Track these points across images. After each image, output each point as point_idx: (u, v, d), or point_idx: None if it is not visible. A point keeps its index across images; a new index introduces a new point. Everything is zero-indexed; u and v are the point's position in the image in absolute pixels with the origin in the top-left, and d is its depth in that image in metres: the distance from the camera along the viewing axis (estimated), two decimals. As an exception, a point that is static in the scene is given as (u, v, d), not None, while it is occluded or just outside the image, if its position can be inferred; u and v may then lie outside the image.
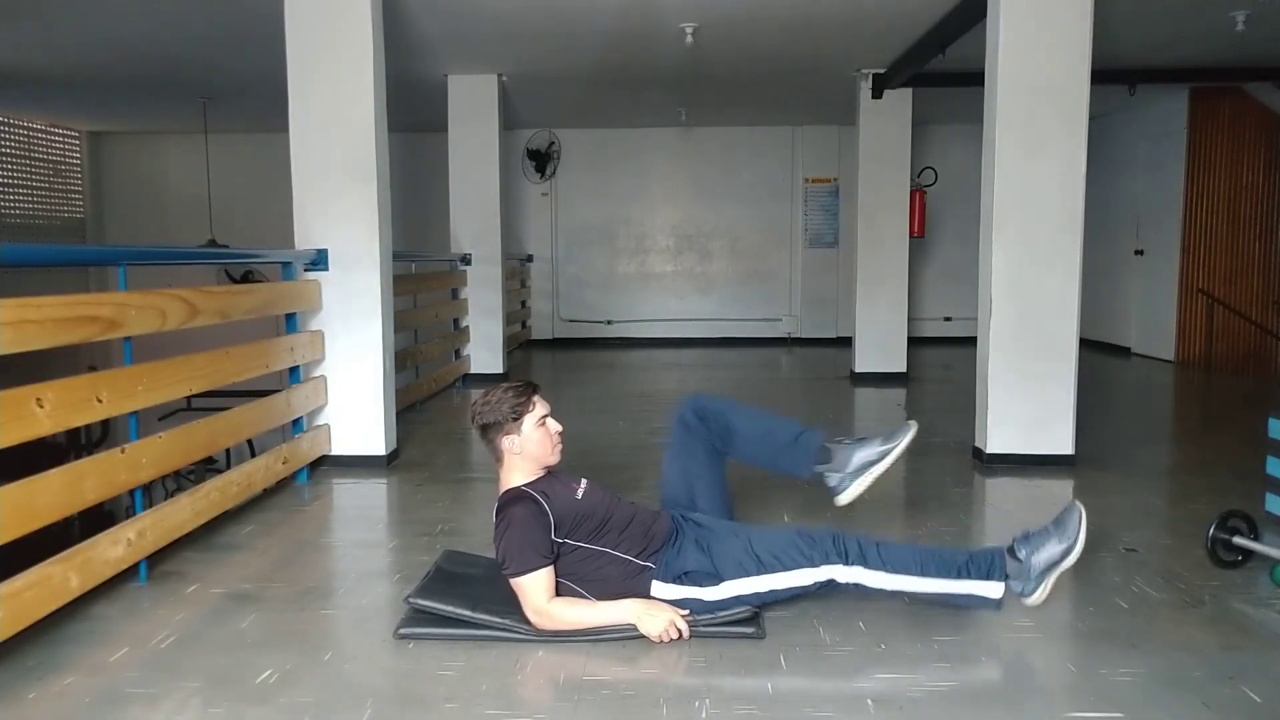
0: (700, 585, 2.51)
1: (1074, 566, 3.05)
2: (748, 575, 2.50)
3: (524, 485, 2.57)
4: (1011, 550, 2.57)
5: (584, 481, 2.66)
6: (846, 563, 2.48)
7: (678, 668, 2.31)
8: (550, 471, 2.65)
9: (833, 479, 2.55)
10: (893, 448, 2.52)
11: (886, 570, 2.48)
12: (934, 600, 2.55)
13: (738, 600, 2.50)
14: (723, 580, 2.50)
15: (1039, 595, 2.58)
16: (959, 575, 2.52)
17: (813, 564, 2.48)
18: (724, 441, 2.92)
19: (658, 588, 2.52)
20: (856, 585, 2.49)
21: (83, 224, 10.64)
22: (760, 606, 2.55)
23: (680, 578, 2.52)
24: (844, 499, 2.55)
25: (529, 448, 2.58)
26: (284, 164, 4.43)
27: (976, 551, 2.60)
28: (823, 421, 6.11)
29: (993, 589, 2.53)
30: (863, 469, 2.53)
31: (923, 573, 2.50)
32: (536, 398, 2.63)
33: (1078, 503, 2.62)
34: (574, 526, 2.51)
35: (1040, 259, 4.40)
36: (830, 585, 2.50)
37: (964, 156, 9.02)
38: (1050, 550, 2.55)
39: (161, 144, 10.83)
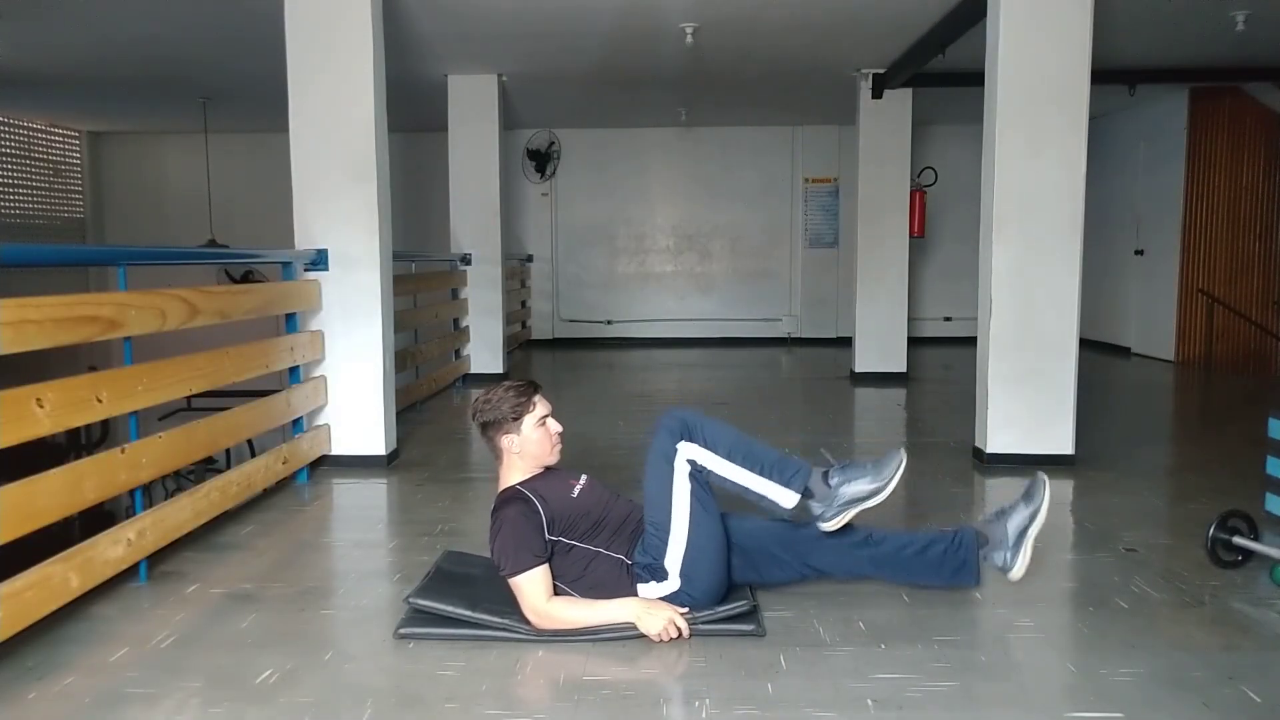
0: (658, 579, 2.52)
1: (1074, 566, 3.07)
2: (664, 541, 2.50)
3: (519, 485, 2.57)
4: (826, 475, 2.58)
5: (583, 478, 2.66)
6: (684, 439, 2.52)
7: (678, 668, 2.31)
8: (549, 469, 2.65)
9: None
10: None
11: (708, 448, 2.52)
12: (736, 491, 2.56)
13: (693, 573, 2.48)
14: (662, 562, 2.50)
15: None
16: (761, 473, 2.53)
17: (668, 463, 2.51)
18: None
19: (641, 589, 2.53)
20: (699, 467, 2.51)
21: (83, 224, 10.64)
22: (752, 591, 2.57)
23: (643, 575, 2.53)
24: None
25: (528, 447, 2.59)
26: (284, 164, 4.43)
27: (786, 459, 2.58)
28: (823, 422, 6.11)
29: (786, 497, 2.53)
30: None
31: (729, 457, 2.53)
32: (537, 397, 2.63)
33: (902, 450, 2.63)
34: (568, 526, 2.51)
35: (1040, 259, 4.40)
36: (696, 471, 2.51)
37: (964, 156, 9.02)
38: (859, 486, 2.56)
39: (161, 144, 10.84)
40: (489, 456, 2.67)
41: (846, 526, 2.58)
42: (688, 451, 2.52)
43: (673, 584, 2.51)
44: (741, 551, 2.61)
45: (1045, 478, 2.65)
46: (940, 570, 2.62)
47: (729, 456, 2.53)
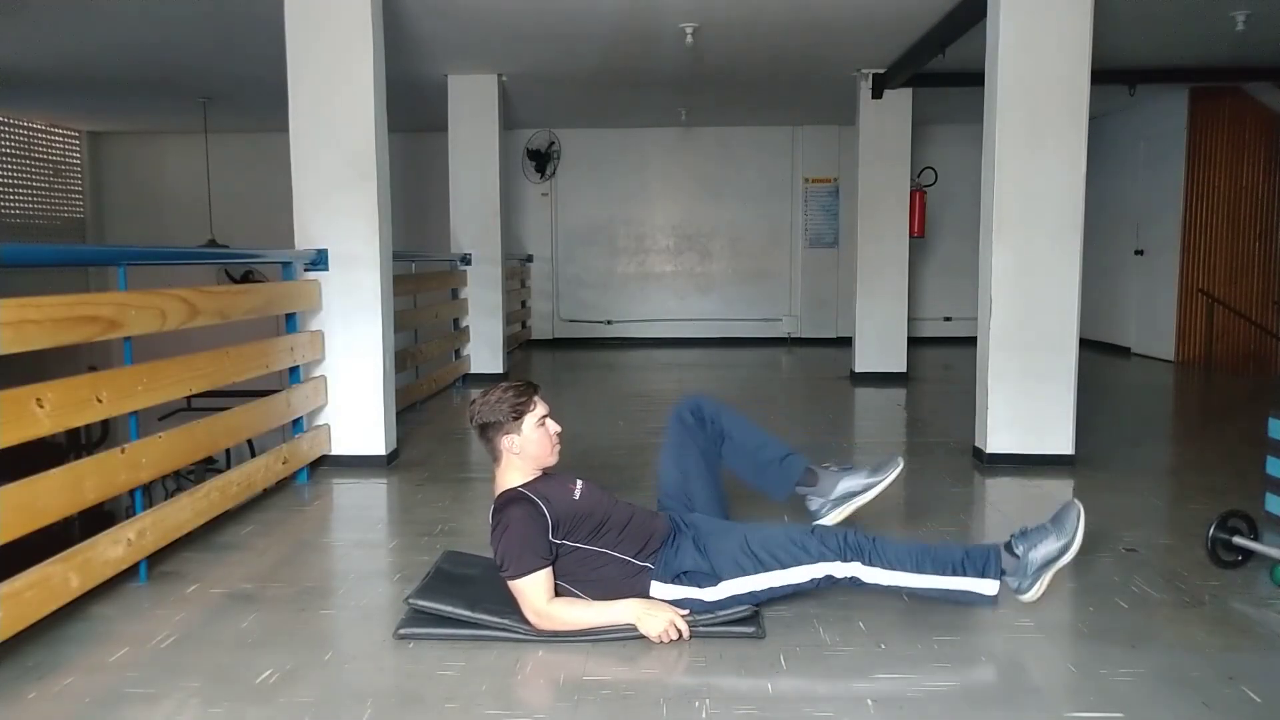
0: (699, 585, 2.51)
1: (1074, 566, 3.06)
2: (745, 574, 2.49)
3: (520, 486, 2.56)
4: (1009, 546, 2.59)
5: (580, 482, 2.66)
6: (844, 559, 2.48)
7: (678, 668, 2.31)
8: (547, 472, 2.64)
9: (814, 503, 2.56)
10: (878, 481, 2.54)
11: (883, 566, 2.48)
12: (930, 596, 2.56)
13: (735, 600, 2.50)
14: (721, 580, 2.50)
15: (1035, 592, 2.60)
16: (954, 572, 2.53)
17: (810, 560, 2.48)
18: (717, 444, 2.96)
19: (656, 588, 2.52)
20: (852, 580, 2.49)
21: (83, 224, 10.64)
22: (759, 605, 2.55)
23: (679, 577, 2.52)
24: (824, 523, 2.56)
25: (528, 448, 2.57)
26: (284, 164, 4.43)
27: (973, 548, 2.60)
28: (823, 421, 6.11)
29: (988, 586, 2.54)
30: (846, 498, 2.54)
31: (918, 569, 2.50)
32: (537, 398, 2.62)
33: (1076, 501, 2.64)
34: (572, 528, 2.51)
35: (1040, 259, 4.40)
36: (828, 581, 2.50)
37: (964, 156, 9.00)
38: (1048, 547, 2.58)
39: (161, 144, 10.83)
40: (489, 456, 2.66)
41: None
42: (849, 570, 2.47)
43: (711, 595, 2.49)
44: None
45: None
46: (962, 569, 2.57)
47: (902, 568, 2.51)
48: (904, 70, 6.77)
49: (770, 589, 2.50)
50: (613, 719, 2.06)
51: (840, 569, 2.48)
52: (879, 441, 5.48)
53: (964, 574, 2.53)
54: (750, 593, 2.50)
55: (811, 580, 2.49)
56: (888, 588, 2.51)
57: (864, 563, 2.48)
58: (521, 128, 10.20)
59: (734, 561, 2.51)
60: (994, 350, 4.47)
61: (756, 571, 2.49)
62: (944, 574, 2.52)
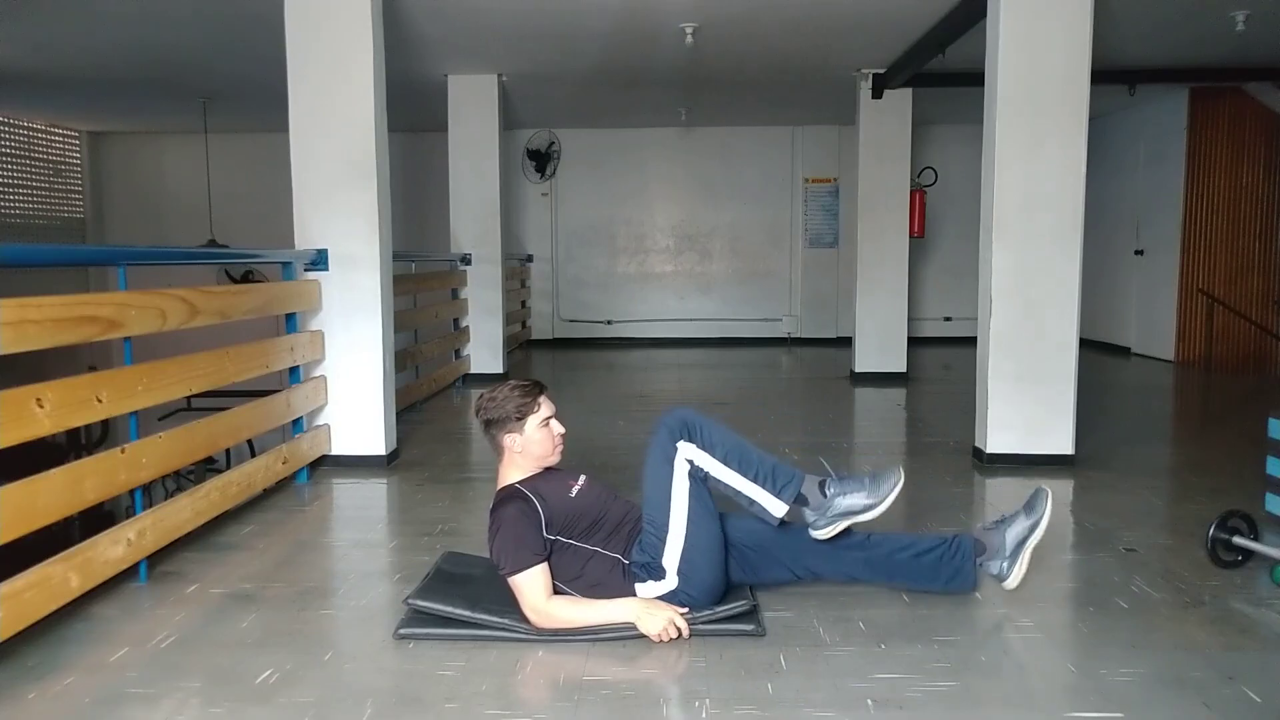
0: (656, 578, 2.52)
1: (1074, 566, 3.06)
2: (659, 538, 2.50)
3: (518, 483, 2.58)
4: (822, 484, 2.59)
5: (582, 478, 2.67)
6: (684, 439, 2.52)
7: (678, 668, 2.31)
8: (549, 469, 2.65)
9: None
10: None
11: (707, 451, 2.52)
12: (731, 496, 2.57)
13: (691, 573, 2.49)
14: (660, 561, 2.50)
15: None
16: (755, 479, 2.54)
17: (667, 462, 2.51)
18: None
19: (639, 588, 2.53)
20: (698, 468, 2.51)
21: (83, 224, 10.64)
22: (752, 591, 2.57)
23: (638, 575, 2.53)
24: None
25: (530, 447, 2.59)
26: (284, 164, 4.43)
27: (782, 467, 2.59)
28: (823, 421, 6.11)
29: (775, 505, 2.54)
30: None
31: (725, 461, 2.53)
32: (543, 398, 2.63)
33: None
34: (566, 525, 2.52)
35: (1040, 259, 4.40)
36: (696, 473, 2.51)
37: (964, 156, 9.02)
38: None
39: (161, 144, 10.84)
40: (489, 456, 2.67)
41: (845, 530, 2.58)
42: (686, 451, 2.53)
43: (670, 583, 2.51)
44: (738, 551, 2.62)
45: (1048, 491, 2.68)
46: (936, 575, 2.66)
47: (725, 460, 2.54)
48: (904, 70, 6.77)
49: (687, 531, 2.49)
50: (613, 719, 2.06)
51: (684, 452, 2.51)
52: (879, 441, 5.48)
53: (761, 484, 2.54)
54: (684, 553, 2.48)
55: (688, 485, 2.50)
56: (718, 480, 2.53)
57: (689, 439, 2.52)
58: (521, 128, 10.20)
59: (652, 539, 2.52)
60: (994, 350, 4.47)
61: (661, 523, 2.50)
62: (746, 476, 2.54)
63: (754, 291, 10.64)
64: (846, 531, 2.60)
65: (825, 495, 2.56)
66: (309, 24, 4.38)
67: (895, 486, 2.55)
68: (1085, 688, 2.20)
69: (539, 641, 2.42)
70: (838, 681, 2.23)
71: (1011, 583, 2.65)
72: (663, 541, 2.51)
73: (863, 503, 2.53)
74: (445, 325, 7.22)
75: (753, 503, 2.56)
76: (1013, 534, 2.65)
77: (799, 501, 2.56)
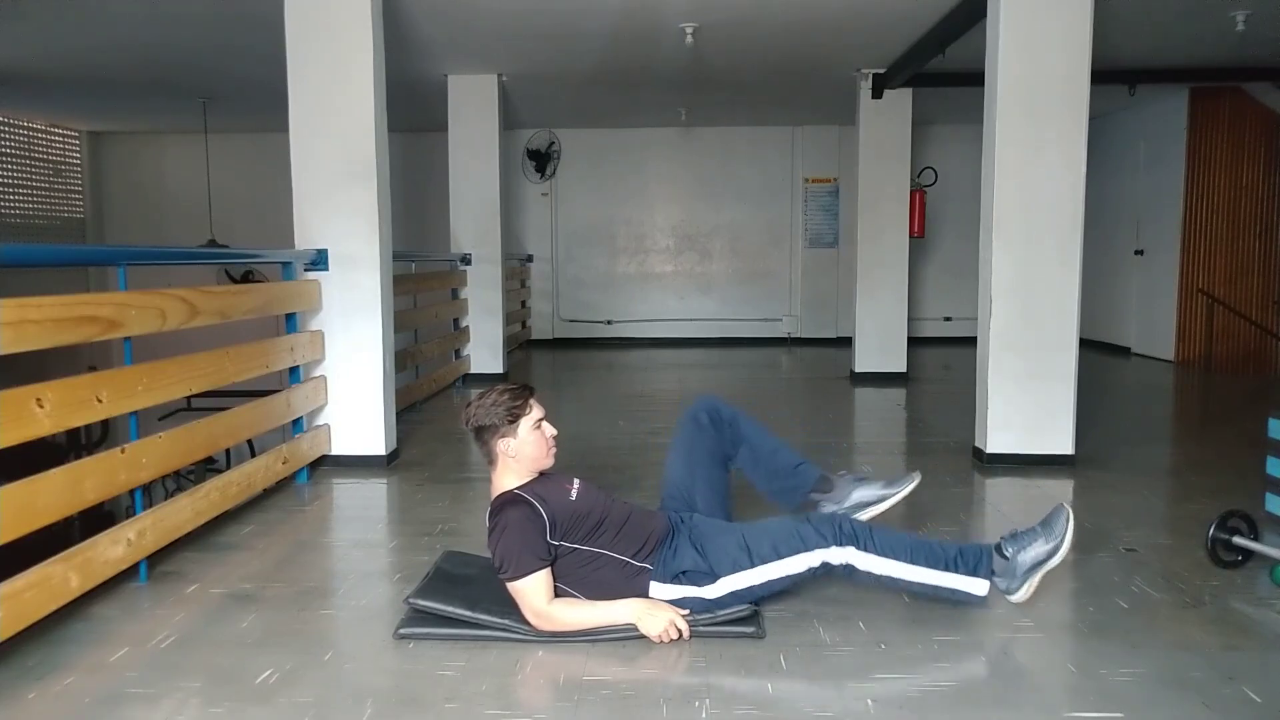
0: (697, 584, 2.51)
1: (1074, 567, 3.06)
2: (742, 569, 2.50)
3: (517, 489, 2.55)
4: (999, 548, 2.60)
5: (577, 482, 2.65)
6: (839, 544, 2.47)
7: (678, 668, 2.31)
8: (543, 473, 2.64)
9: (827, 508, 2.56)
10: (894, 494, 2.53)
11: (876, 553, 2.48)
12: (919, 592, 2.56)
13: (735, 596, 2.50)
14: (719, 577, 2.50)
15: (1024, 593, 2.60)
16: (946, 568, 2.53)
17: (806, 548, 2.48)
18: (733, 446, 2.95)
19: (656, 588, 2.52)
20: (846, 567, 2.48)
21: (83, 224, 10.64)
22: (758, 602, 2.55)
23: (678, 577, 2.52)
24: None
25: (524, 451, 2.56)
26: (284, 164, 4.43)
27: (966, 546, 2.60)
28: (823, 421, 6.11)
29: (978, 585, 2.54)
30: (859, 507, 2.54)
31: (911, 560, 2.50)
32: (532, 401, 2.61)
33: (1065, 504, 2.65)
34: (570, 528, 2.51)
35: (1040, 259, 4.40)
36: (824, 569, 2.49)
37: (964, 156, 9.01)
38: (1036, 549, 2.59)
39: (161, 144, 10.83)
40: (484, 459, 2.66)
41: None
42: (844, 555, 2.48)
43: (710, 593, 2.50)
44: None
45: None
46: (954, 565, 2.58)
47: (910, 559, 2.52)
48: (904, 70, 6.77)
49: (768, 582, 2.50)
50: (613, 719, 2.06)
51: (836, 555, 2.47)
52: (879, 441, 5.48)
53: (955, 570, 2.53)
54: (749, 588, 2.50)
55: (808, 569, 2.48)
56: (880, 577, 2.50)
57: (858, 548, 2.47)
58: (521, 128, 10.20)
59: (731, 558, 2.51)
60: (994, 350, 4.47)
61: (753, 565, 2.49)
62: (936, 568, 2.52)
63: (754, 291, 10.64)
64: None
65: (1006, 557, 2.56)
66: (309, 24, 4.38)
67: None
68: (1085, 688, 2.20)
69: (539, 642, 2.42)
70: (838, 681, 2.23)
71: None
72: (742, 568, 2.49)
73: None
74: (445, 325, 7.22)
75: (955, 591, 2.54)
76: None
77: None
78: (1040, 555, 2.58)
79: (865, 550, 2.48)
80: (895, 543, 2.52)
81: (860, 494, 2.68)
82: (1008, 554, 2.56)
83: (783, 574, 2.49)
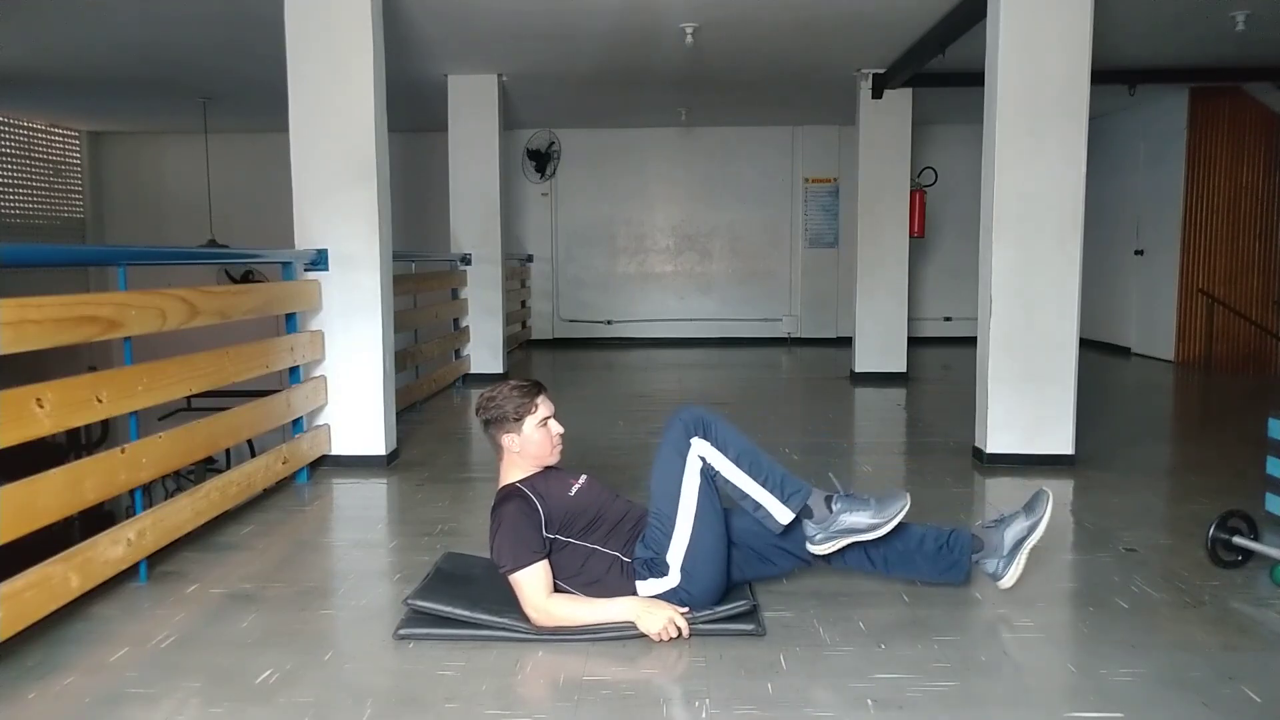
0: (659, 575, 2.52)
1: (1074, 566, 3.06)
2: (665, 534, 2.51)
3: (518, 482, 2.59)
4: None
5: (582, 477, 2.68)
6: (702, 435, 2.52)
7: (678, 668, 2.31)
8: (549, 468, 2.66)
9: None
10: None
11: (715, 445, 2.52)
12: (732, 494, 2.56)
13: (696, 572, 2.49)
14: (666, 558, 2.51)
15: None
16: (766, 485, 2.53)
17: (680, 461, 2.51)
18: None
19: (640, 586, 2.53)
20: (707, 468, 2.51)
21: (83, 224, 10.64)
22: (754, 592, 2.56)
23: (640, 571, 2.53)
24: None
25: (529, 447, 2.60)
26: (284, 164, 4.43)
27: (792, 478, 2.58)
28: (823, 422, 6.11)
29: (781, 512, 2.53)
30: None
31: (736, 462, 2.52)
32: (541, 398, 2.63)
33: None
34: (565, 523, 2.52)
35: (1040, 259, 4.40)
36: (709, 471, 2.51)
37: (964, 156, 9.02)
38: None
39: (161, 144, 10.83)
40: (489, 456, 2.67)
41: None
42: (700, 448, 2.53)
43: (672, 580, 2.51)
44: (745, 542, 2.62)
45: (1049, 493, 2.68)
46: (933, 566, 2.66)
47: (736, 461, 2.54)
48: (904, 70, 6.77)
49: (695, 527, 2.49)
50: (613, 719, 2.06)
51: (698, 445, 2.51)
52: (879, 441, 5.48)
53: (770, 490, 2.53)
54: (692, 547, 2.48)
55: (700, 477, 2.50)
56: (726, 480, 2.53)
57: (703, 436, 2.51)
58: (521, 128, 10.20)
59: (655, 530, 2.53)
60: (994, 350, 4.47)
61: (668, 517, 2.51)
62: (756, 479, 2.53)
63: (754, 291, 10.64)
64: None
65: (830, 511, 2.55)
66: (309, 24, 4.38)
67: (901, 510, 2.53)
68: (1085, 688, 2.20)
69: (539, 641, 2.42)
70: (838, 681, 2.23)
71: (1007, 582, 2.65)
72: (668, 537, 2.51)
73: (867, 522, 2.52)
74: (445, 325, 7.22)
75: (759, 507, 2.55)
76: (1011, 534, 2.65)
77: (803, 513, 2.55)
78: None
79: (713, 445, 2.51)
80: (734, 440, 2.54)
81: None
82: (833, 508, 2.54)
83: (690, 507, 2.49)
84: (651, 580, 2.53)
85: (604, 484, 2.72)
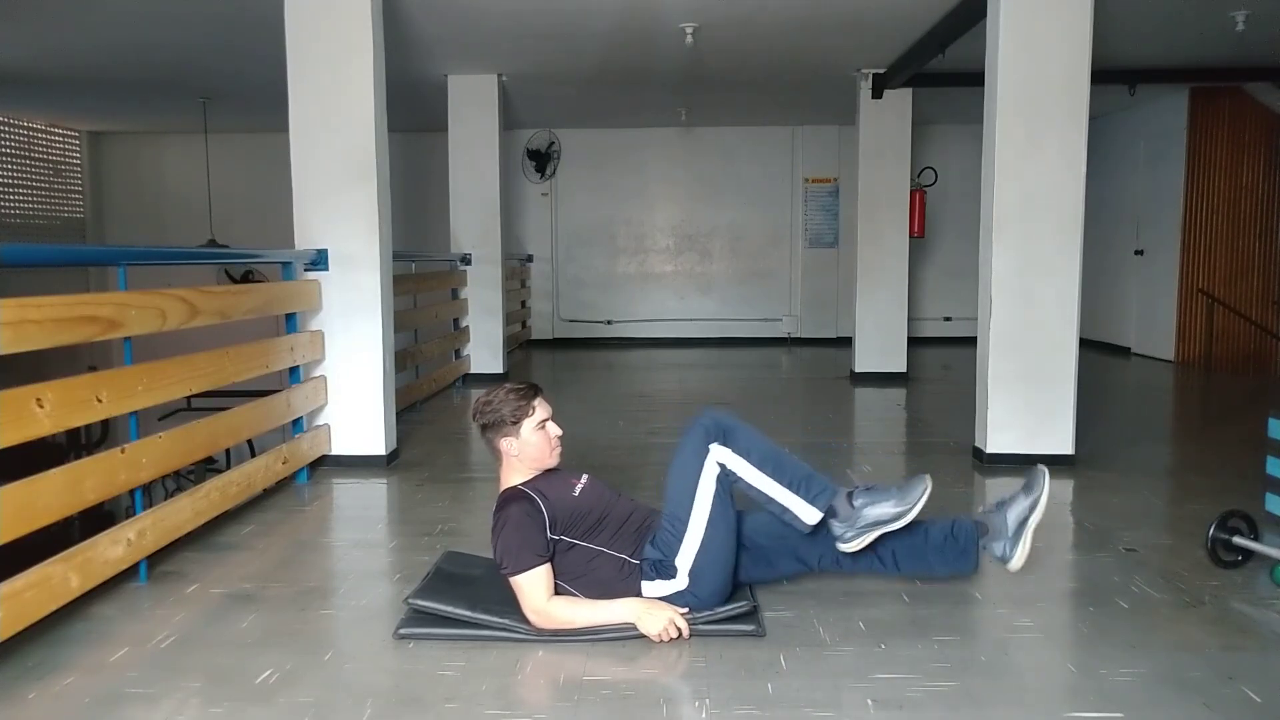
0: (666, 577, 2.51)
1: (1074, 566, 3.06)
2: (677, 538, 2.50)
3: (521, 484, 2.58)
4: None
5: (584, 478, 2.67)
6: (722, 442, 2.50)
7: (678, 668, 2.31)
8: (550, 470, 2.65)
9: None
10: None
11: (735, 450, 2.50)
12: (756, 498, 2.54)
13: (706, 576, 2.49)
14: (675, 561, 2.50)
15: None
16: (791, 488, 2.51)
17: (698, 466, 2.49)
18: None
19: (645, 587, 2.53)
20: (726, 473, 2.50)
21: (83, 224, 10.64)
22: (754, 592, 2.56)
23: (648, 572, 2.53)
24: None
25: (527, 451, 2.58)
26: (284, 164, 4.43)
27: (818, 476, 2.57)
28: (823, 421, 6.11)
29: (808, 513, 2.51)
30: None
31: (760, 467, 2.51)
32: (537, 401, 2.62)
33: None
34: (570, 525, 2.52)
35: (1040, 259, 4.40)
36: (726, 479, 2.49)
37: (964, 156, 9.03)
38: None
39: (161, 144, 10.83)
40: (489, 456, 2.67)
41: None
42: (719, 454, 2.50)
43: (679, 583, 2.51)
44: (753, 545, 2.62)
45: (1045, 469, 2.65)
46: (941, 559, 2.62)
47: (760, 465, 2.51)
48: (904, 70, 6.77)
49: (706, 533, 2.48)
50: (613, 719, 2.06)
51: (717, 452, 2.49)
52: (879, 441, 5.48)
53: (795, 492, 2.51)
54: (701, 552, 2.48)
55: (715, 484, 2.49)
56: (749, 485, 2.51)
57: (723, 443, 2.50)
58: (521, 128, 10.20)
59: (669, 536, 2.52)
60: (994, 350, 4.47)
61: (680, 521, 2.49)
62: (780, 483, 2.51)
63: (754, 291, 10.64)
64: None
65: (853, 506, 2.52)
66: (309, 24, 4.38)
67: (924, 493, 2.52)
68: (1085, 688, 2.20)
69: (539, 641, 2.42)
70: (838, 681, 2.23)
71: (1016, 563, 2.58)
72: (679, 540, 2.50)
73: (892, 512, 2.50)
74: (445, 325, 7.22)
75: (785, 510, 2.52)
76: (1013, 514, 2.60)
77: (828, 514, 2.54)
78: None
79: (734, 451, 2.49)
80: (756, 444, 2.53)
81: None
82: (855, 504, 2.52)
83: (703, 513, 2.48)
84: (659, 581, 2.52)
85: (606, 483, 2.72)
